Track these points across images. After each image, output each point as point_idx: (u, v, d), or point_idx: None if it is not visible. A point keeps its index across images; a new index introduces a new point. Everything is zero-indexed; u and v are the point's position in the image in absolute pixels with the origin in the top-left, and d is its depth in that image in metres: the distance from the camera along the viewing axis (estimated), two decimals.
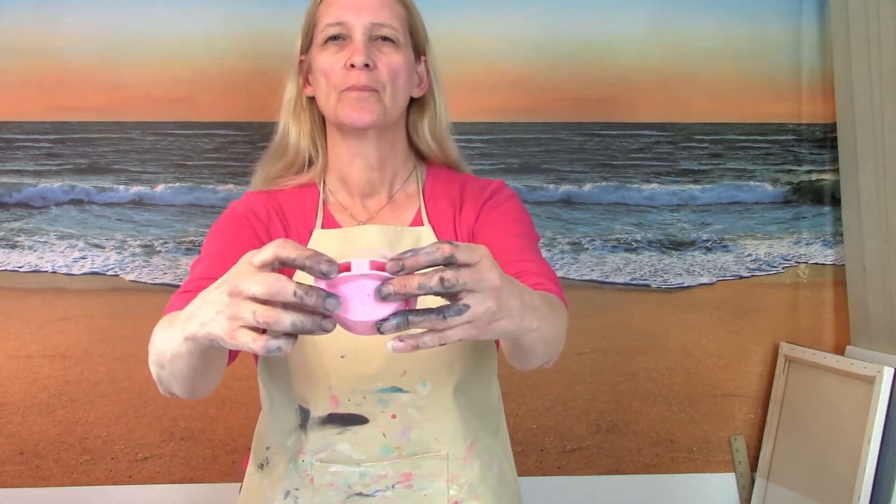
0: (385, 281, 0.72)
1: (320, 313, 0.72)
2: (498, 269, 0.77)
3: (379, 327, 0.73)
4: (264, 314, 0.71)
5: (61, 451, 1.88)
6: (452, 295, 0.75)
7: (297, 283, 0.71)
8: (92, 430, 1.89)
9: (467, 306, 0.74)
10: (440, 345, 0.75)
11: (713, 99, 1.99)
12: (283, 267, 0.73)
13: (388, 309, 0.73)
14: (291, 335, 0.72)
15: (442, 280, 0.72)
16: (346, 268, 0.74)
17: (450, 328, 0.74)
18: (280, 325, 0.71)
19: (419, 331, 0.75)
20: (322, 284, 0.73)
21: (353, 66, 1.13)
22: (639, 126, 1.99)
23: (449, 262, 0.73)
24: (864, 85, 1.82)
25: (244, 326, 0.73)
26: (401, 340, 0.75)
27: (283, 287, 0.70)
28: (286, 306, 0.71)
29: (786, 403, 1.94)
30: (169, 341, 0.87)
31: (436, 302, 0.76)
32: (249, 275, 0.72)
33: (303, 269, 0.71)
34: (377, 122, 1.16)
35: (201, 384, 0.96)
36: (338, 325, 0.75)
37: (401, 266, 0.72)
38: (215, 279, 1.03)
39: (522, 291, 0.82)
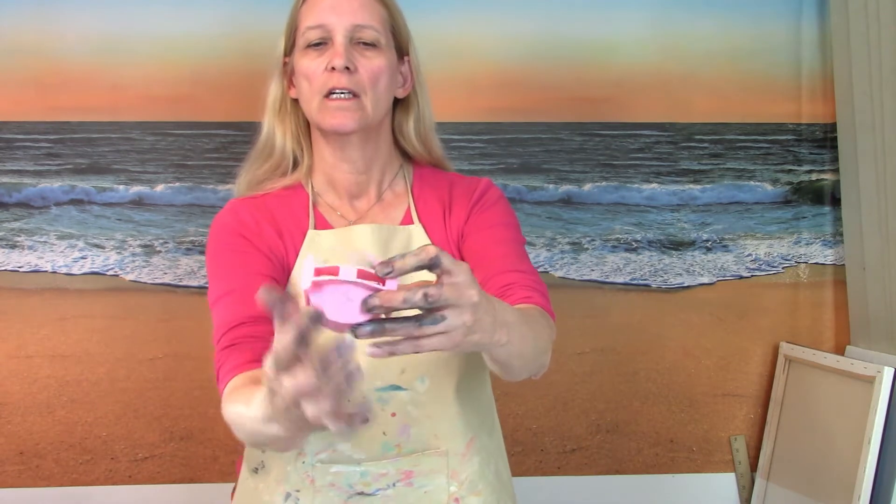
0: (371, 292, 0.74)
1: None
2: (477, 285, 0.79)
3: (354, 331, 0.75)
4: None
5: (61, 451, 1.88)
6: (432, 307, 0.77)
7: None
8: (92, 430, 1.89)
9: (444, 317, 0.76)
10: (414, 353, 0.78)
11: (713, 99, 1.99)
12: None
13: (366, 315, 0.75)
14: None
15: (426, 296, 0.75)
16: (335, 271, 0.76)
17: (425, 337, 0.77)
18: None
19: (395, 338, 0.77)
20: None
21: (333, 68, 1.14)
22: (639, 126, 1.99)
23: (433, 265, 0.75)
24: (864, 85, 1.82)
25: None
26: (378, 347, 0.77)
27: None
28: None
29: (786, 403, 1.94)
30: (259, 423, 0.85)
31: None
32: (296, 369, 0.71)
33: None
34: (359, 127, 1.16)
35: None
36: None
37: (391, 268, 0.74)
38: (254, 320, 1.05)
39: (497, 308, 0.84)
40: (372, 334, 0.75)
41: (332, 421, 0.71)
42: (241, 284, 1.10)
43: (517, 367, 0.97)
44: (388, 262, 0.74)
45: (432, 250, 0.75)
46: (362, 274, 0.76)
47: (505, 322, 0.85)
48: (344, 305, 0.75)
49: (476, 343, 0.81)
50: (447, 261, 0.76)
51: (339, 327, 0.76)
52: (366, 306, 0.74)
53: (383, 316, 0.77)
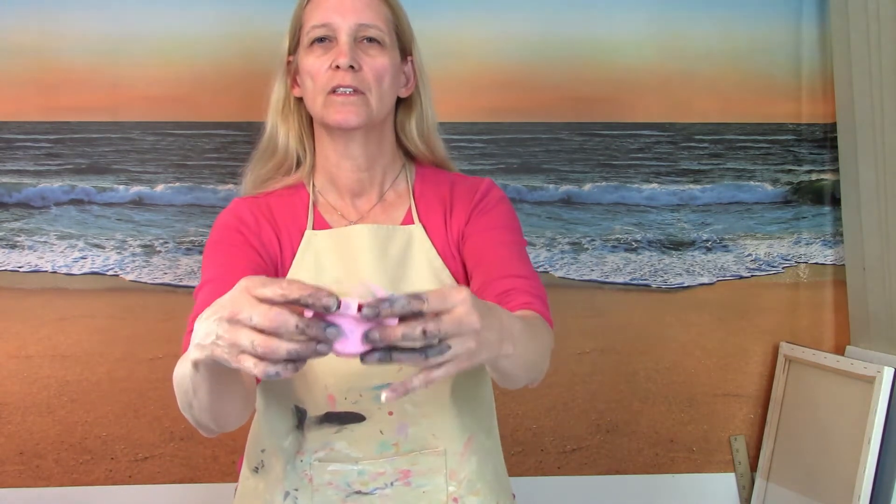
0: (372, 325, 0.76)
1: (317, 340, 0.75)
2: (478, 309, 0.79)
3: (363, 359, 0.76)
4: (262, 343, 0.73)
5: (61, 451, 1.88)
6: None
7: (298, 316, 0.73)
8: (92, 430, 1.89)
9: (448, 346, 0.77)
10: (426, 386, 0.79)
11: (713, 99, 1.99)
12: (287, 304, 0.75)
13: (367, 346, 0.76)
14: (292, 360, 0.75)
15: (424, 332, 0.75)
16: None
17: (432, 367, 0.78)
18: (276, 354, 0.73)
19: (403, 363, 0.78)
20: (310, 314, 0.76)
21: (338, 67, 1.14)
22: (639, 126, 1.99)
23: (420, 314, 0.76)
24: (864, 85, 1.82)
25: (244, 352, 0.75)
26: (393, 390, 0.79)
27: (286, 321, 0.73)
28: (283, 335, 0.74)
29: (786, 403, 1.94)
30: (186, 378, 0.90)
31: None
32: (250, 305, 0.74)
33: (307, 306, 0.74)
34: (363, 123, 1.16)
35: (226, 409, 0.98)
36: None
37: (376, 313, 0.74)
38: None
39: (502, 320, 0.85)
40: (380, 361, 0.76)
41: (265, 365, 0.74)
42: (223, 274, 1.11)
43: (520, 376, 0.99)
44: (374, 306, 0.75)
45: (417, 305, 0.75)
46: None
47: (511, 334, 0.86)
48: (350, 334, 0.76)
49: (483, 360, 0.82)
50: (434, 305, 0.76)
51: (346, 354, 0.77)
52: (367, 339, 0.76)
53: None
